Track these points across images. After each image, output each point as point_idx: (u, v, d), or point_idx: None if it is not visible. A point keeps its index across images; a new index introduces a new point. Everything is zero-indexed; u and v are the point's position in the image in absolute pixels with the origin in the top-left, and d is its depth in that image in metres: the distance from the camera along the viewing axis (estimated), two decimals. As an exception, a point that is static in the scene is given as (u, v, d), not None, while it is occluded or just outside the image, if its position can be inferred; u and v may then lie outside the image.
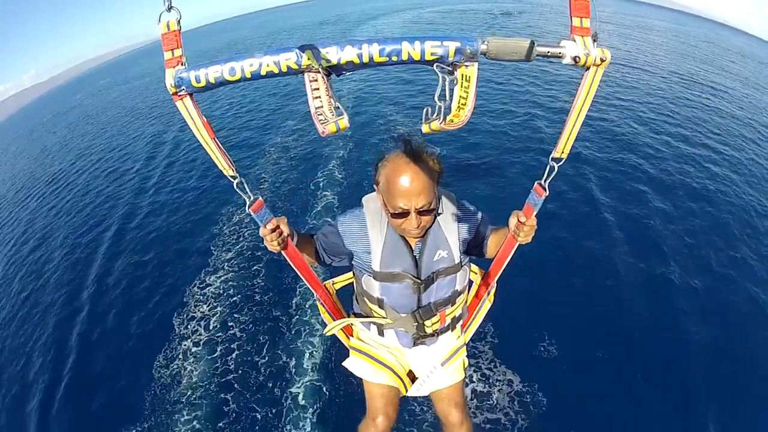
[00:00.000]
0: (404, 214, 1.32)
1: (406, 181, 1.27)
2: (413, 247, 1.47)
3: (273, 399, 3.78)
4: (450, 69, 0.91)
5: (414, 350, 1.72)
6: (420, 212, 1.31)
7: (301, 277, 1.49)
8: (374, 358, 1.73)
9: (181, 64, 0.95)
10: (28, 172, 13.89)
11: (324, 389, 3.75)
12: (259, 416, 3.66)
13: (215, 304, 4.96)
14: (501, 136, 8.60)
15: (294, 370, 4.00)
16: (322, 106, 0.93)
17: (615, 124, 9.35)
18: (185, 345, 4.46)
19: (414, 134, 1.33)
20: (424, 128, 0.97)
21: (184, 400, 3.90)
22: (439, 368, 1.72)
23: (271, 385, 3.90)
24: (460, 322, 1.76)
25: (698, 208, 6.26)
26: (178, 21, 0.91)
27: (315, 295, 1.63)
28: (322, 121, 0.88)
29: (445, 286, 1.53)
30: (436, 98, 0.91)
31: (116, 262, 6.40)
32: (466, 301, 1.73)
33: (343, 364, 1.80)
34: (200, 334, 4.58)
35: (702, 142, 8.85)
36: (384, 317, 1.60)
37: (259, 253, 5.59)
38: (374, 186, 1.43)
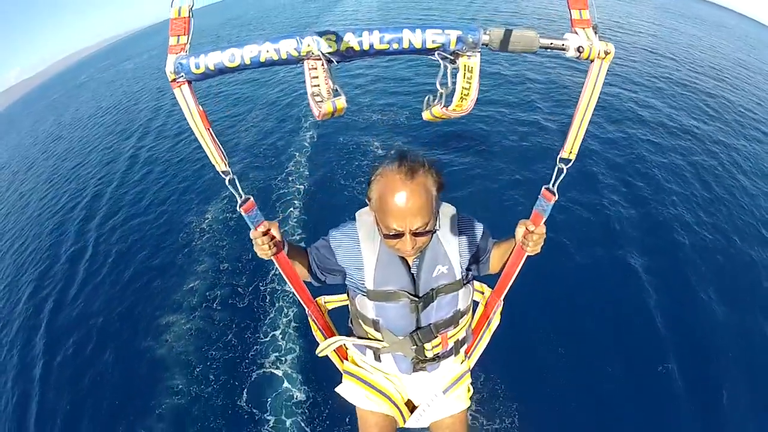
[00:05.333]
0: (398, 235, 1.20)
1: (401, 200, 1.15)
2: (410, 264, 1.36)
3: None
4: (451, 58, 0.90)
5: (413, 377, 1.58)
6: (415, 234, 1.20)
7: (292, 289, 1.40)
8: (369, 384, 1.60)
9: (184, 52, 0.94)
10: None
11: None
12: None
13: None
14: (508, 132, 8.36)
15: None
16: (318, 86, 0.90)
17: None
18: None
19: (411, 150, 1.25)
20: (425, 115, 0.95)
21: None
22: (441, 396, 1.58)
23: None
24: (464, 347, 1.62)
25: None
26: (190, 9, 0.90)
27: (307, 310, 1.53)
28: (318, 101, 0.86)
29: (446, 305, 1.41)
30: (437, 84, 0.89)
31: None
32: (470, 324, 1.61)
33: (336, 389, 1.66)
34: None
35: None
36: (380, 340, 1.47)
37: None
38: (366, 201, 1.31)
